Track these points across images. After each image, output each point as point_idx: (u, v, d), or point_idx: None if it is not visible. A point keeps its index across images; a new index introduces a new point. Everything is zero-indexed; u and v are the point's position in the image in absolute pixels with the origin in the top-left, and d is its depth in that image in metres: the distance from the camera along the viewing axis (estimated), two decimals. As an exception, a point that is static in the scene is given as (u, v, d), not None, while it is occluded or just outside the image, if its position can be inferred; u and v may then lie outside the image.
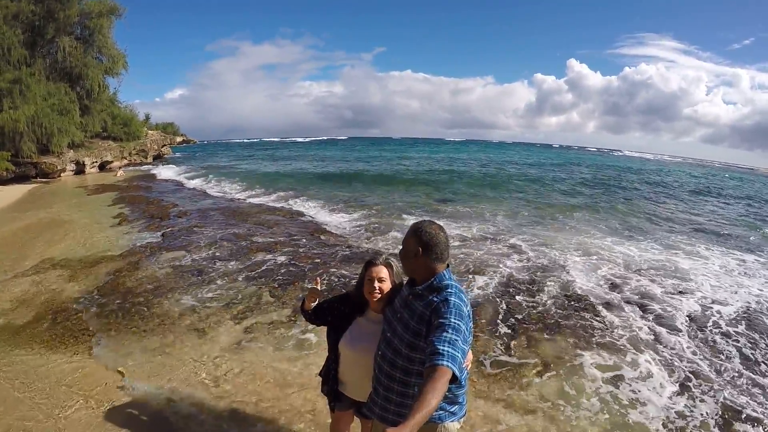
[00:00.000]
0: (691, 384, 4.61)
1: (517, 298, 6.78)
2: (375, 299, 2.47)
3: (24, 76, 23.30)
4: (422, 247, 2.23)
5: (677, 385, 4.60)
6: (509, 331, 5.73)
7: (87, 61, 30.74)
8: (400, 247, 2.32)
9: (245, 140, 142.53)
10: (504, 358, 5.05)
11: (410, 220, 11.55)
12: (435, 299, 2.16)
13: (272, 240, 10.15)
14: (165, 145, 48.88)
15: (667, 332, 5.78)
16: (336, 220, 12.66)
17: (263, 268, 8.11)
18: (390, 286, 2.48)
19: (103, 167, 32.70)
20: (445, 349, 1.90)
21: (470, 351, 2.37)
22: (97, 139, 35.61)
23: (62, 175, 28.20)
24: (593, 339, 5.50)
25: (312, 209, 14.18)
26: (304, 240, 10.25)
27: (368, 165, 34.33)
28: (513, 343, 5.40)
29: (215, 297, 6.78)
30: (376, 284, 2.45)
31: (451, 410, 2.28)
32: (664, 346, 5.39)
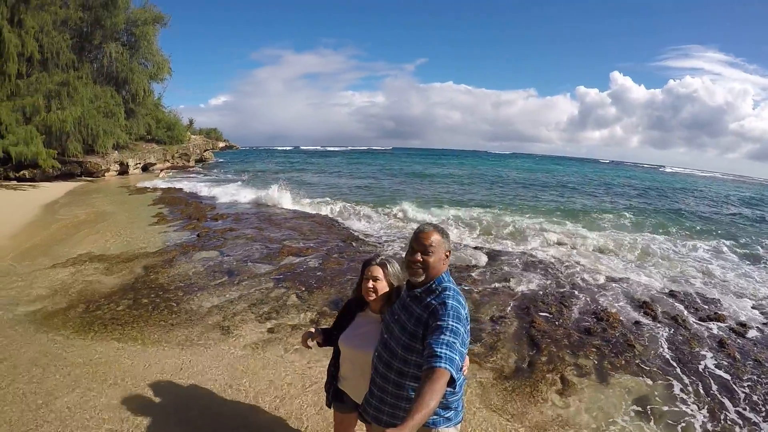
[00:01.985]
0: (722, 416, 4.36)
1: (544, 313, 6.63)
2: (370, 298, 2.51)
3: (71, 79, 24.27)
4: (450, 250, 2.30)
5: (708, 416, 4.34)
6: (531, 343, 5.62)
7: (132, 67, 31.94)
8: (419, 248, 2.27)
9: (286, 147, 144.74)
10: (523, 372, 4.94)
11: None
12: (433, 301, 2.15)
13: (303, 245, 10.26)
14: (207, 149, 50.18)
15: (698, 357, 5.49)
16: (371, 229, 12.66)
17: (292, 271, 8.23)
18: (385, 286, 2.50)
19: (146, 169, 33.96)
20: (443, 351, 1.90)
21: (467, 357, 2.36)
22: (141, 141, 36.97)
23: (106, 174, 29.36)
24: (620, 359, 5.29)
25: (348, 218, 14.13)
26: (336, 246, 10.35)
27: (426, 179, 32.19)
28: (533, 356, 5.30)
29: (242, 297, 6.90)
30: (371, 283, 2.48)
31: (446, 416, 2.26)
32: (693, 372, 5.11)
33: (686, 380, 4.84)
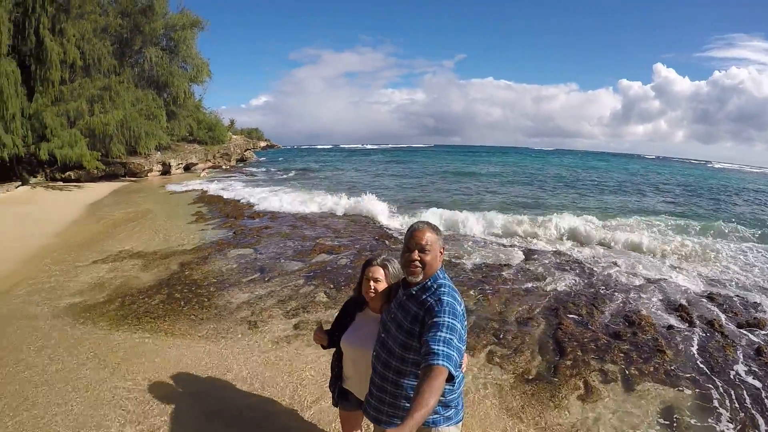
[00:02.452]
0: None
1: (573, 315, 6.44)
2: (370, 298, 2.56)
3: (113, 84, 25.20)
4: (444, 247, 2.33)
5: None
6: (555, 346, 5.48)
7: (172, 70, 32.96)
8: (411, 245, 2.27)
9: (327, 146, 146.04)
10: (545, 376, 4.82)
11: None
12: (429, 299, 2.15)
13: (336, 243, 10.38)
14: (248, 149, 51.18)
15: (732, 365, 5.17)
16: (406, 227, 12.48)
17: (323, 269, 8.34)
18: (385, 286, 2.54)
19: (188, 168, 35.03)
20: (441, 348, 1.90)
21: (466, 355, 2.40)
22: (183, 142, 38.10)
23: (149, 174, 30.48)
24: (648, 365, 5.06)
25: (385, 217, 13.89)
26: (369, 244, 10.43)
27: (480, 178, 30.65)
28: (557, 360, 5.16)
29: (272, 293, 7.05)
30: (372, 284, 2.52)
31: (446, 414, 2.24)
32: (726, 381, 4.81)
33: (718, 390, 4.57)
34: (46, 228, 12.11)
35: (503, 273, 8.30)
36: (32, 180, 22.74)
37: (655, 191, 25.65)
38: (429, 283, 2.22)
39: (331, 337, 2.76)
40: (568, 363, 5.01)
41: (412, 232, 2.26)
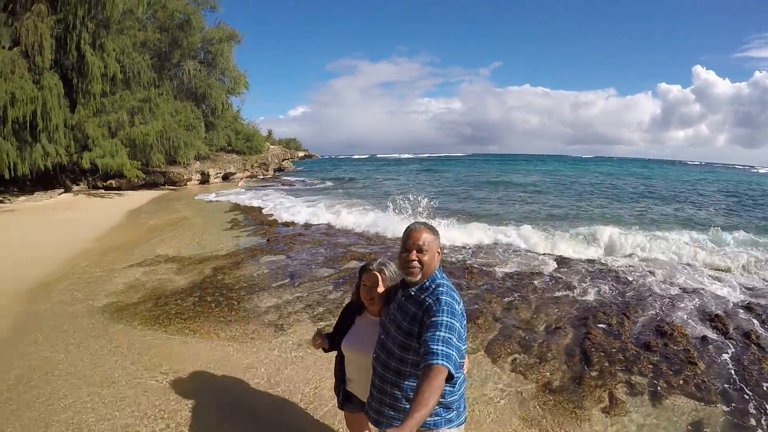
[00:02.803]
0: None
1: (603, 325, 6.23)
2: (368, 303, 2.58)
3: (153, 96, 26.28)
4: (441, 247, 2.34)
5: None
6: (581, 357, 5.32)
7: (210, 82, 33.96)
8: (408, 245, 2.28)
9: (363, 155, 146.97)
10: (568, 386, 4.68)
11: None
12: (427, 299, 2.15)
13: (368, 250, 10.47)
14: (285, 159, 51.97)
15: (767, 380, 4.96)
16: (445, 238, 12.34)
17: (353, 275, 8.31)
18: (382, 290, 2.55)
19: (226, 178, 36.02)
20: (440, 348, 1.90)
21: (467, 357, 2.37)
22: (221, 152, 39.18)
23: (188, 183, 31.49)
24: (678, 378, 4.84)
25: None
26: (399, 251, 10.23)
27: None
28: (582, 370, 5.01)
29: (300, 298, 7.17)
30: (369, 290, 2.55)
31: (447, 417, 2.21)
32: (760, 396, 4.54)
33: (750, 406, 4.33)
34: (87, 233, 12.70)
35: (534, 282, 8.15)
36: (75, 188, 23.82)
37: (702, 199, 24.47)
38: (427, 283, 2.22)
39: (332, 341, 2.78)
40: (594, 374, 4.86)
41: (410, 233, 2.27)
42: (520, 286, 7.85)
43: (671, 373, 4.88)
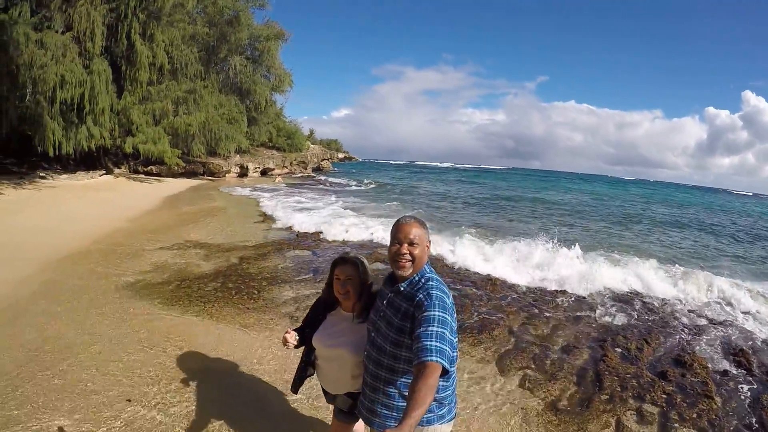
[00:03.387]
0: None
1: (620, 349, 6.02)
2: (343, 297, 2.53)
3: (198, 88, 27.13)
4: (430, 241, 2.31)
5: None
6: (594, 379, 5.18)
7: (255, 79, 34.71)
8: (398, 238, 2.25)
9: (403, 161, 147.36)
10: (575, 407, 4.56)
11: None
12: (418, 294, 2.14)
13: None
14: (325, 159, 52.52)
15: None
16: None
17: (375, 276, 8.15)
18: (358, 285, 2.52)
19: (265, 173, 36.75)
20: (433, 343, 1.89)
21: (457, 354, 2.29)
22: (262, 147, 39.95)
23: (227, 175, 32.31)
24: (691, 411, 4.62)
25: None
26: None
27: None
28: (592, 393, 4.86)
29: (320, 293, 7.10)
30: (344, 283, 2.50)
31: (440, 413, 2.19)
32: None
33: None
34: (122, 213, 13.29)
35: (557, 299, 7.97)
36: (116, 170, 24.78)
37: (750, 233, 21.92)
38: (417, 277, 2.21)
39: (301, 334, 2.69)
40: (604, 398, 4.72)
41: (400, 226, 2.24)
42: (541, 302, 7.70)
43: (685, 405, 4.69)
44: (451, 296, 2.18)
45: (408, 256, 2.18)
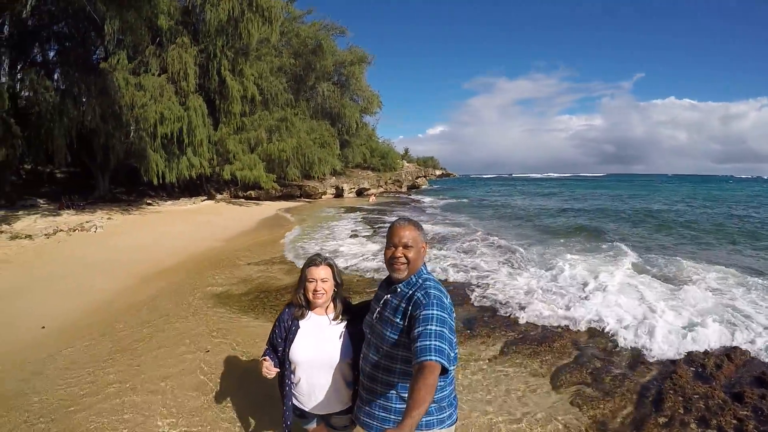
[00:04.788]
0: None
1: (694, 367, 5.34)
2: (319, 299, 2.50)
3: (289, 115, 28.71)
4: (426, 242, 2.30)
5: None
6: (655, 397, 4.62)
7: (344, 103, 36.23)
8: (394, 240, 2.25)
9: (502, 174, 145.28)
10: (625, 429, 4.11)
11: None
12: (416, 293, 2.14)
13: (465, 263, 10.35)
14: (420, 176, 53.05)
15: None
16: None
17: (452, 295, 8.17)
18: (332, 286, 2.53)
19: (360, 193, 38.01)
20: (432, 343, 1.87)
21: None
22: (357, 168, 41.22)
23: (323, 197, 33.75)
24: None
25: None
26: (496, 270, 9.85)
27: None
28: (649, 413, 4.34)
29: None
30: (320, 284, 2.48)
31: (440, 417, 2.17)
32: None
33: None
34: (218, 234, 14.45)
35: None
36: (218, 196, 26.89)
37: None
38: (414, 278, 2.21)
39: (274, 357, 2.59)
40: (661, 420, 4.17)
41: (395, 229, 2.25)
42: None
43: (757, 432, 4.00)
44: (449, 296, 2.17)
45: (403, 259, 2.18)
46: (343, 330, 2.50)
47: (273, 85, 28.57)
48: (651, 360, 5.45)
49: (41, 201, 18.62)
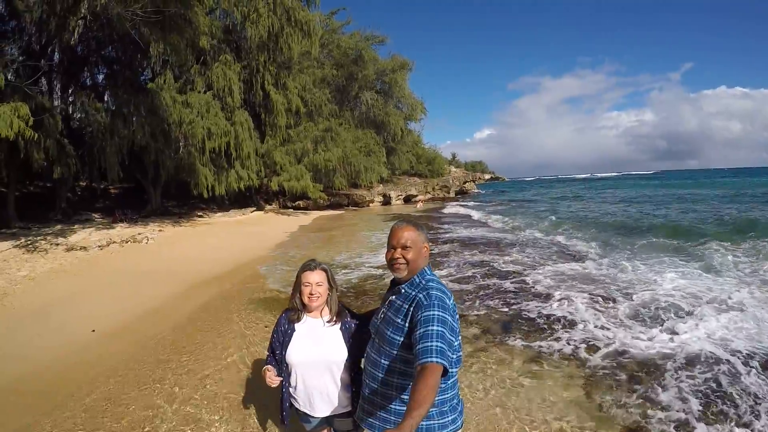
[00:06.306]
0: None
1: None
2: (314, 302, 2.55)
3: (334, 126, 28.87)
4: (428, 243, 2.30)
5: None
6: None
7: (388, 110, 36.39)
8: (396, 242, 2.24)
9: (552, 176, 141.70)
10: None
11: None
12: (418, 294, 2.13)
13: (510, 269, 9.79)
14: (468, 181, 52.62)
15: None
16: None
17: (483, 292, 8.03)
18: (326, 290, 2.58)
19: (408, 200, 38.00)
20: (433, 344, 1.87)
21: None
22: (404, 175, 41.30)
23: (371, 204, 33.99)
24: None
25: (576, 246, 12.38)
26: (547, 271, 9.48)
27: None
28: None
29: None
30: (315, 288, 2.54)
31: (441, 421, 2.11)
32: None
33: None
34: (266, 243, 14.52)
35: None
36: (267, 207, 27.45)
37: None
38: (417, 279, 2.20)
39: (275, 363, 2.66)
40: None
41: (393, 231, 2.27)
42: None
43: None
44: (452, 297, 2.15)
45: (402, 260, 2.19)
46: (338, 332, 2.56)
47: (317, 97, 28.84)
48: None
49: (96, 215, 19.48)
